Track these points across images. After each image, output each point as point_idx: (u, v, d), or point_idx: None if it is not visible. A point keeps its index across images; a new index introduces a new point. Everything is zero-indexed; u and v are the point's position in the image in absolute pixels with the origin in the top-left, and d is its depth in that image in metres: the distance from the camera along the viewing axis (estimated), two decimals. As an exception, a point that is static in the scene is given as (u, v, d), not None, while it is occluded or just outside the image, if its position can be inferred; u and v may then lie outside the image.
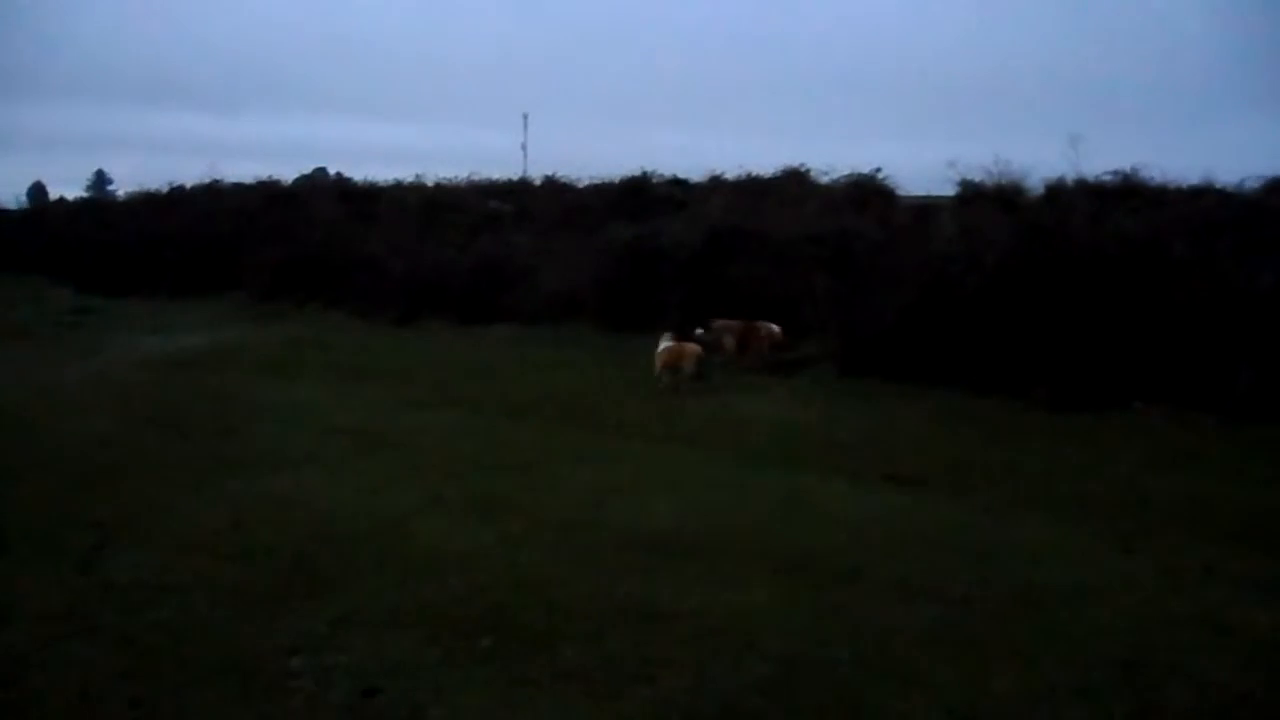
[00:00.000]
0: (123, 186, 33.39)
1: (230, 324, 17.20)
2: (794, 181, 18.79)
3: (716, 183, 19.72)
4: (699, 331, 12.31)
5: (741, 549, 5.93)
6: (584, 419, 9.70)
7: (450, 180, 23.27)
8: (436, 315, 16.72)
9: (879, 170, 18.10)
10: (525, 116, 37.14)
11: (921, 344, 11.42)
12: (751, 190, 18.43)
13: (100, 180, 35.81)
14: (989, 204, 14.05)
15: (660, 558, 5.74)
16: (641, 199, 19.10)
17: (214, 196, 26.13)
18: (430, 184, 23.45)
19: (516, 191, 22.37)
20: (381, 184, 24.58)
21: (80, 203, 34.48)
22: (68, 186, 35.80)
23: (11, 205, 36.07)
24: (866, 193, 17.54)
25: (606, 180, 20.50)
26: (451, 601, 5.05)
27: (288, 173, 26.81)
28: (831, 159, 18.82)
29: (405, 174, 24.57)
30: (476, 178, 23.10)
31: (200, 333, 15.87)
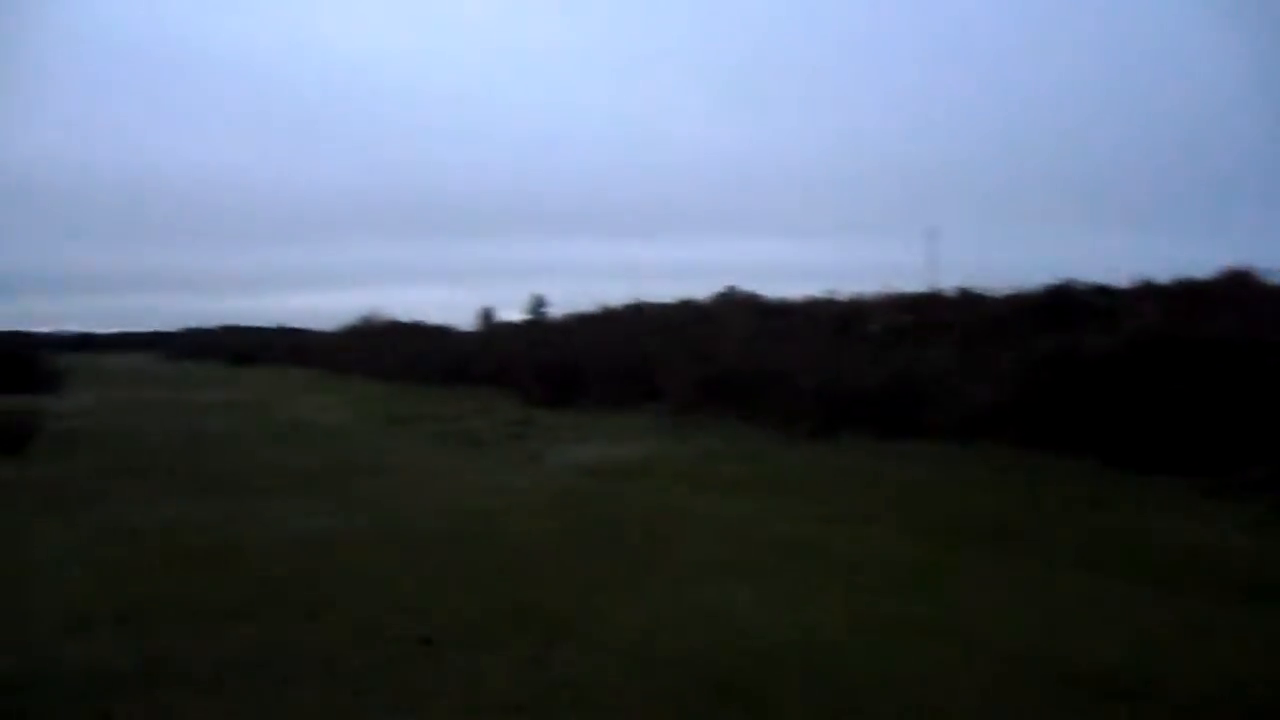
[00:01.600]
0: (558, 308, 37.01)
1: (650, 436, 18.18)
2: (1237, 283, 16.90)
3: (1147, 288, 18.19)
4: None
5: (1209, 694, 5.27)
6: (1014, 544, 9.11)
7: (860, 295, 23.37)
8: (849, 430, 16.66)
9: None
10: (933, 229, 36.69)
11: None
12: (1186, 295, 16.79)
13: (538, 303, 39.71)
14: None
15: (1115, 698, 5.23)
16: (1063, 308, 18.02)
17: (637, 315, 28.11)
18: (841, 299, 23.68)
19: (926, 304, 21.94)
20: (793, 300, 25.21)
21: (522, 323, 38.47)
22: (511, 309, 40.13)
23: (466, 327, 41.14)
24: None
25: (1024, 289, 19.58)
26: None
27: (703, 291, 28.21)
28: (1280, 255, 16.70)
29: (815, 290, 24.95)
30: (887, 291, 23.00)
31: (624, 444, 16.90)
